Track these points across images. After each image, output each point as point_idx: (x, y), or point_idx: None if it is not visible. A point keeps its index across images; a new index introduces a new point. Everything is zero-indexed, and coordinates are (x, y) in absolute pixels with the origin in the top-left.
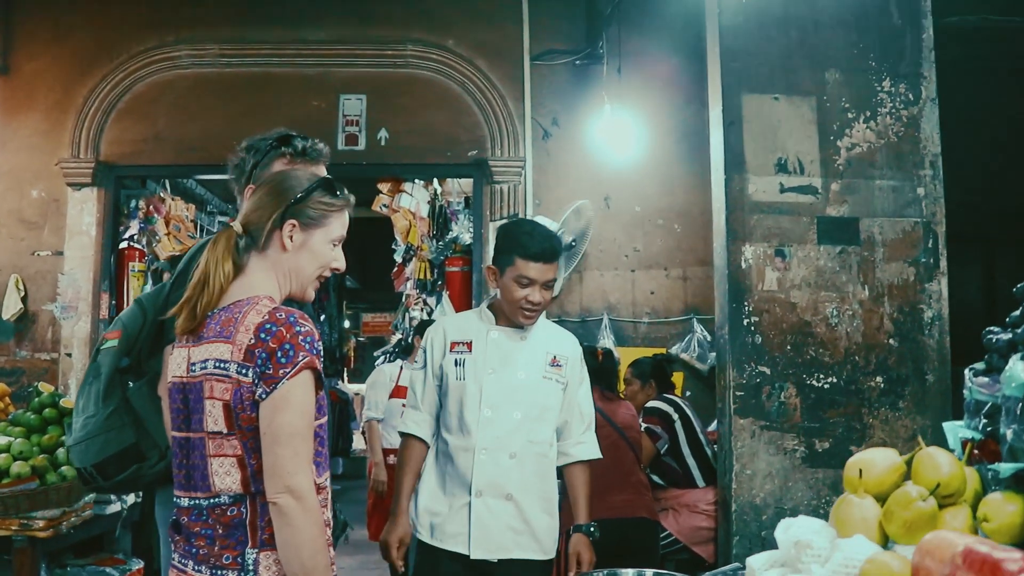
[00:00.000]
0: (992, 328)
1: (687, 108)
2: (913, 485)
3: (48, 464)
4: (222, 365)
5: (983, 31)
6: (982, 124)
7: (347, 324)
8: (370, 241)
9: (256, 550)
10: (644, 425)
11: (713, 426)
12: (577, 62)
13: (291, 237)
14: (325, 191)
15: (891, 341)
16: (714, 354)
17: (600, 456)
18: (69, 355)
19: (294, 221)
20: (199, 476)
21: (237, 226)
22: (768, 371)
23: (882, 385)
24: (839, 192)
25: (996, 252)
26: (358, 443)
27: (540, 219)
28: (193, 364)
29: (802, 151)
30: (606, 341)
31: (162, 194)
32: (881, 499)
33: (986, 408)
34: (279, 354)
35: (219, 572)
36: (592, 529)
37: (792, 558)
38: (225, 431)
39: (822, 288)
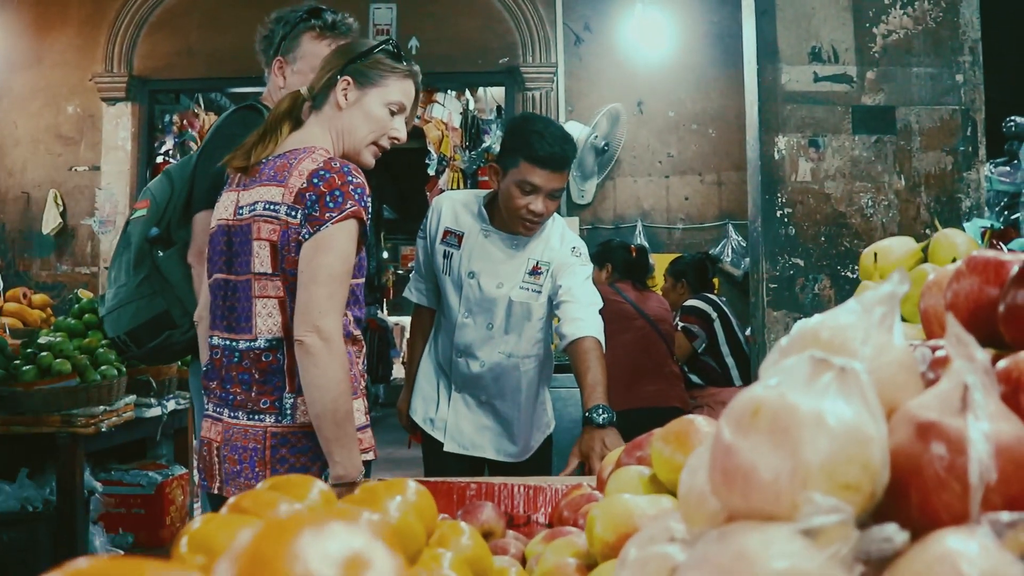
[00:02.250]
0: (1012, 116)
1: (721, 7)
2: (930, 264)
3: (88, 363)
4: (272, 207)
5: None
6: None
7: (385, 255)
8: (407, 171)
9: (294, 395)
10: (681, 324)
11: (749, 330)
12: None
13: (345, 95)
14: (387, 54)
15: (928, 231)
16: (748, 259)
17: (600, 337)
18: (108, 268)
19: (348, 78)
20: (242, 318)
21: (304, 90)
22: (802, 263)
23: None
24: (875, 80)
25: None
26: (398, 372)
27: (572, 124)
28: (241, 207)
29: (836, 39)
30: None
31: (195, 109)
32: None
33: (1006, 199)
34: (328, 198)
35: (256, 416)
36: (600, 413)
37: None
38: (270, 271)
39: (857, 178)
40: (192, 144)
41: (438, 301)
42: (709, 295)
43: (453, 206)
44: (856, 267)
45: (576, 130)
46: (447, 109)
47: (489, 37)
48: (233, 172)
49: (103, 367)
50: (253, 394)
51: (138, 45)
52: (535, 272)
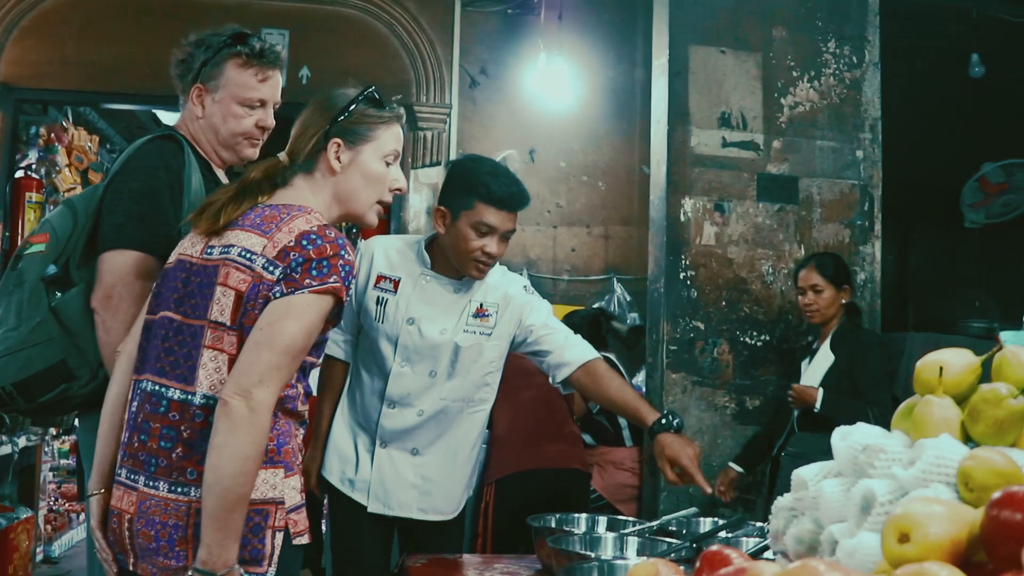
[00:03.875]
0: None
1: (618, 63)
2: (1001, 383)
3: None
4: (248, 256)
5: (922, 6)
6: (914, 98)
7: None
8: None
9: None
10: None
11: (635, 381)
12: (509, 11)
13: (338, 158)
14: (369, 103)
15: None
16: (634, 315)
17: (598, 356)
18: None
19: (338, 140)
20: (183, 365)
21: (283, 156)
22: (702, 326)
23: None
24: (780, 150)
25: (909, 228)
26: None
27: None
28: (211, 247)
29: (746, 106)
30: None
31: (64, 123)
32: (957, 400)
33: None
34: (314, 265)
35: (180, 488)
36: (671, 419)
37: (860, 464)
38: (228, 323)
39: (759, 245)
40: (58, 159)
41: (355, 353)
42: (604, 352)
43: (386, 251)
44: (755, 333)
45: None
46: None
47: (383, 73)
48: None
49: None
50: (174, 457)
51: (6, 49)
52: (481, 315)
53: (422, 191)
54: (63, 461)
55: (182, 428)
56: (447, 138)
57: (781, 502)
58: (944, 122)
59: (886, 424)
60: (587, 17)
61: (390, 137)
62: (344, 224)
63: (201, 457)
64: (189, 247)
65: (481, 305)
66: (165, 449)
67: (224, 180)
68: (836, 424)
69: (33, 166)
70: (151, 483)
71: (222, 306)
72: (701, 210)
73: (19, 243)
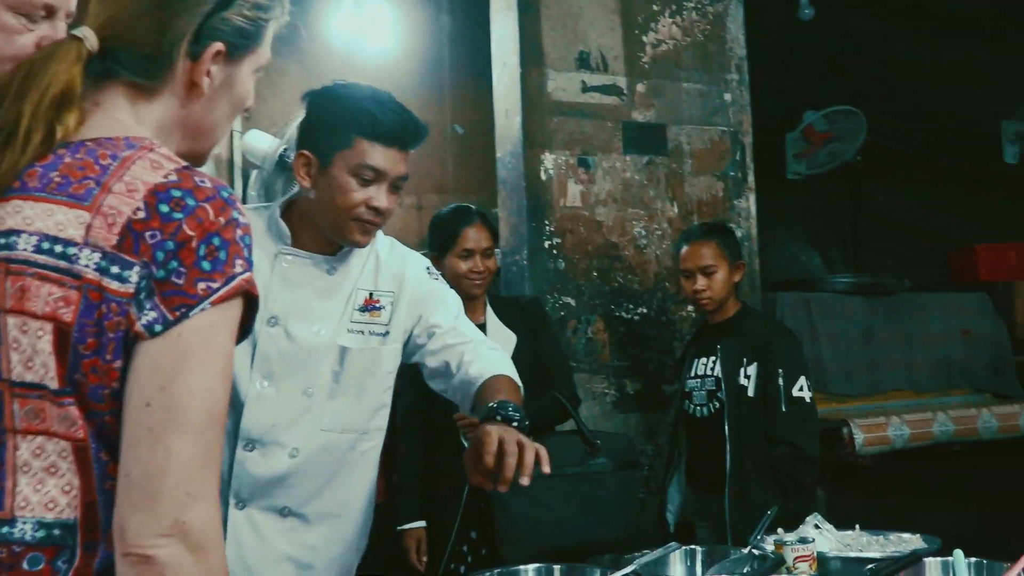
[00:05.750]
0: None
1: (423, 10)
2: None
3: None
4: (60, 248)
5: None
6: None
7: None
8: None
9: None
10: None
11: None
12: None
13: (208, 72)
14: None
15: None
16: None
17: (519, 381)
18: None
19: (220, 45)
20: None
21: (89, 37)
22: (573, 302)
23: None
24: (645, 95)
25: None
26: None
27: (253, 134)
28: None
29: (605, 45)
30: None
31: None
32: None
33: None
34: (202, 252)
35: None
36: (510, 412)
37: None
38: (54, 387)
39: (629, 204)
40: None
41: None
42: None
43: None
44: (631, 306)
45: (260, 142)
46: None
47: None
48: None
49: None
50: None
51: None
52: (371, 307)
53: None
54: None
55: None
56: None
57: None
58: (770, 68)
59: None
60: None
61: (267, 42)
62: None
63: None
64: None
65: (371, 295)
66: None
67: None
68: None
69: None
70: None
71: (29, 355)
72: (564, 166)
73: None
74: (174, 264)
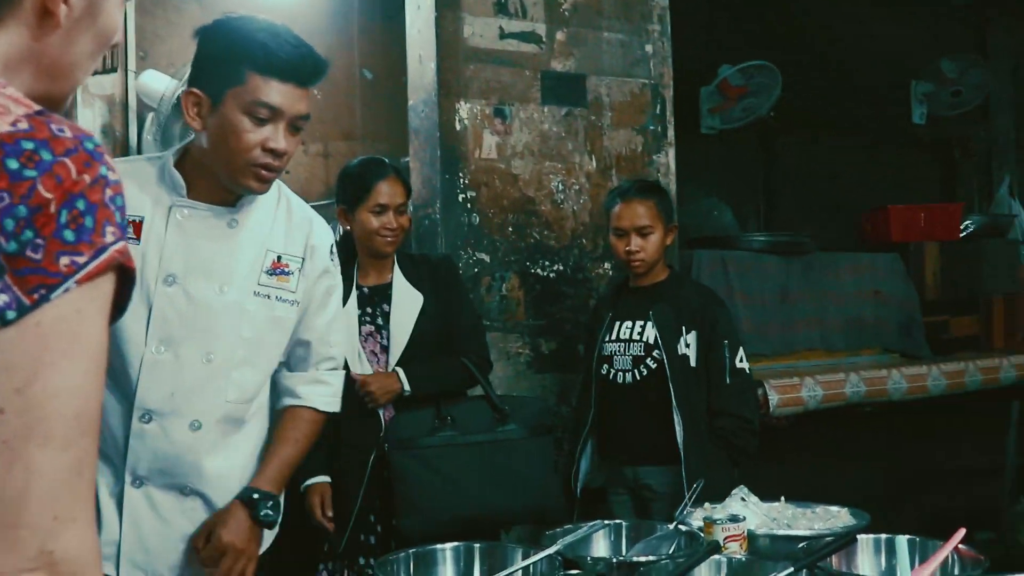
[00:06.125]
0: None
1: None
2: None
3: None
4: None
5: None
6: None
7: None
8: None
9: None
10: None
11: None
12: None
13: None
14: None
15: None
16: None
17: (339, 411)
18: None
19: None
20: None
21: None
22: (488, 258)
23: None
24: (564, 43)
25: None
26: None
27: (150, 74)
28: None
29: None
30: None
31: None
32: None
33: None
34: (64, 219)
35: None
36: (264, 505)
37: None
38: None
39: (547, 157)
40: None
41: None
42: None
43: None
44: (547, 263)
45: (156, 82)
46: None
47: None
48: None
49: None
50: None
51: None
52: (279, 271)
53: (94, 104)
54: None
55: None
56: (123, 38)
57: None
58: (689, 20)
59: None
60: None
61: None
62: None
63: None
64: None
65: (279, 258)
66: None
67: None
68: None
69: None
70: None
71: None
72: (479, 116)
73: None
74: (28, 234)
